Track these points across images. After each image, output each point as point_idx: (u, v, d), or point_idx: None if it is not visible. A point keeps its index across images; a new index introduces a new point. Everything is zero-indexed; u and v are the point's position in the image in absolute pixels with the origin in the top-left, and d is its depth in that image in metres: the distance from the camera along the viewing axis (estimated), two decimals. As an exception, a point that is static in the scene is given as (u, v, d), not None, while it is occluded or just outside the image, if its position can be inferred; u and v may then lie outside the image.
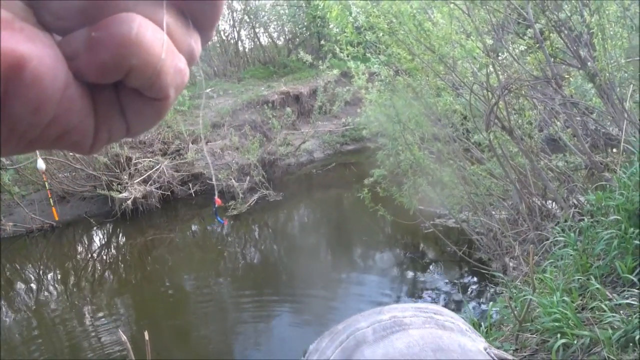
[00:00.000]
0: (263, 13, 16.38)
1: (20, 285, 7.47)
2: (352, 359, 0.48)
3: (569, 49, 4.59)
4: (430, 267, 6.52)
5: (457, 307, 5.33)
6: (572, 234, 3.68)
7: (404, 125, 5.66)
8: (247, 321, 5.77)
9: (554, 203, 4.93)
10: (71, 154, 8.64)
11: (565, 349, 2.71)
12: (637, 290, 2.81)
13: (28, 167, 9.08)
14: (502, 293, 4.27)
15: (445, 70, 5.05)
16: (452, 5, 4.77)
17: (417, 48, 5.04)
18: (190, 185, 10.04)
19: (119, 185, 9.07)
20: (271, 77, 14.87)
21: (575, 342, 2.67)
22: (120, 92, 0.26)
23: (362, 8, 5.11)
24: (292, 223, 9.65)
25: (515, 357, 2.97)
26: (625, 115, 4.33)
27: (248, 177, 9.62)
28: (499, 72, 4.87)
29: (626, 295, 2.82)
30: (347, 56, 5.66)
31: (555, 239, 3.99)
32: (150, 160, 9.71)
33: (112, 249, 8.81)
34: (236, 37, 16.15)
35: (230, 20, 15.57)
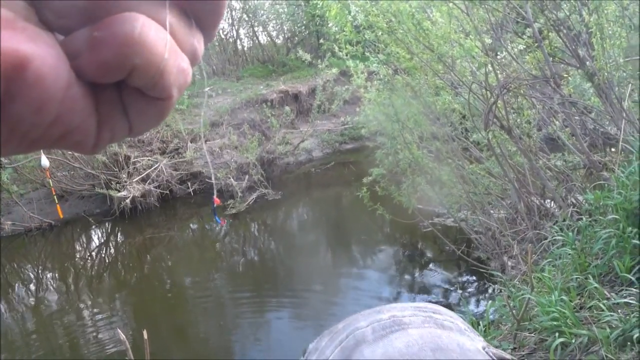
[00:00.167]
0: (262, 12, 16.37)
1: (19, 285, 7.46)
2: (352, 358, 0.48)
3: (568, 48, 4.59)
4: (429, 266, 6.52)
5: (456, 305, 5.34)
6: (570, 233, 3.68)
7: (403, 124, 5.66)
8: (245, 319, 5.77)
9: (552, 202, 4.94)
10: (70, 152, 8.63)
11: (563, 348, 2.72)
12: (635, 289, 2.81)
13: (27, 166, 9.07)
14: (500, 292, 4.28)
15: (444, 69, 5.05)
16: (451, 5, 4.77)
17: (416, 47, 5.04)
18: (189, 184, 10.04)
19: (118, 184, 9.07)
20: (270, 76, 14.86)
21: (573, 341, 2.68)
22: (123, 91, 0.25)
23: (361, 7, 5.10)
24: (290, 222, 9.65)
25: (514, 356, 2.98)
26: (624, 115, 4.34)
27: (247, 176, 9.62)
28: (498, 71, 4.87)
29: (624, 294, 2.83)
30: (346, 55, 5.66)
31: (554, 238, 4.00)
32: (149, 159, 9.70)
33: (111, 247, 8.80)
34: (235, 35, 16.14)
35: (229, 18, 15.55)
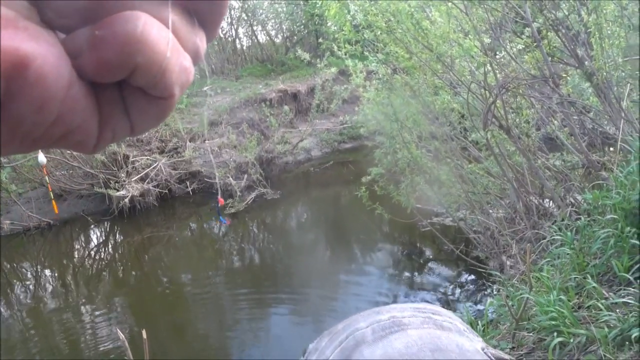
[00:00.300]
0: (261, 11, 16.35)
1: (17, 284, 7.45)
2: (351, 358, 0.48)
3: (567, 48, 4.60)
4: (428, 265, 6.53)
5: (454, 305, 5.34)
6: (569, 233, 3.69)
7: (402, 123, 5.67)
8: (245, 318, 5.77)
9: (551, 202, 4.95)
10: (68, 151, 8.63)
11: (561, 347, 2.73)
12: (633, 289, 2.82)
13: (25, 165, 9.06)
14: (499, 291, 4.29)
15: (443, 68, 5.05)
16: (450, 4, 4.77)
17: (414, 47, 5.04)
18: (188, 184, 10.04)
19: (117, 184, 9.06)
20: (269, 75, 14.85)
21: (571, 340, 2.69)
22: (124, 90, 0.25)
23: (360, 6, 5.10)
24: (289, 221, 9.65)
25: (512, 355, 2.98)
26: (622, 114, 4.34)
27: (246, 175, 9.62)
28: (497, 71, 4.87)
29: (622, 294, 2.84)
30: (345, 54, 5.66)
31: (552, 237, 4.01)
32: (147, 159, 9.70)
33: (110, 247, 8.80)
34: (234, 35, 16.13)
35: (227, 17, 15.53)
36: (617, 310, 2.72)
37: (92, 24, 0.23)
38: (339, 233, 8.29)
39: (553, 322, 2.85)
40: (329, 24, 8.65)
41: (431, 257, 6.78)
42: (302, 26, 16.64)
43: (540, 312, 3.00)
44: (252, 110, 12.21)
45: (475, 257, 5.54)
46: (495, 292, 4.81)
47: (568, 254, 3.58)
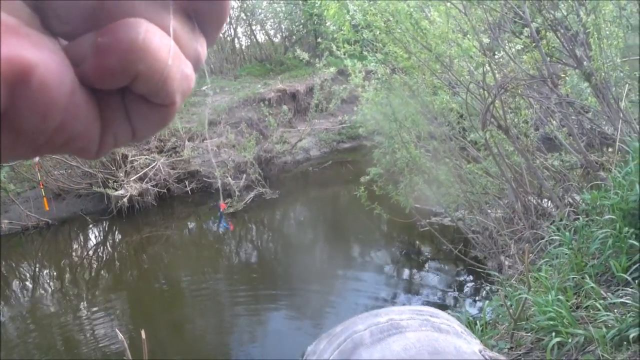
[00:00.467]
0: (260, 10, 16.35)
1: (15, 283, 7.45)
2: (350, 361, 0.49)
3: (565, 48, 4.60)
4: (426, 265, 6.53)
5: (453, 305, 5.35)
6: (567, 233, 3.69)
7: (400, 123, 5.67)
8: (243, 318, 5.77)
9: (549, 202, 4.95)
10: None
11: (559, 347, 2.73)
12: (631, 289, 2.83)
13: (24, 164, 9.05)
14: (497, 291, 4.30)
15: (442, 68, 5.06)
16: (448, 4, 4.77)
17: (413, 47, 5.04)
18: (187, 183, 10.03)
19: (115, 183, 9.05)
20: (268, 75, 14.85)
21: (569, 340, 2.69)
22: (126, 97, 0.25)
23: (359, 6, 5.11)
24: (288, 221, 9.66)
25: (510, 355, 2.99)
26: (621, 115, 4.35)
27: (244, 175, 9.62)
28: (495, 71, 4.88)
29: (620, 294, 2.84)
30: (344, 54, 5.66)
31: (551, 237, 4.01)
32: (146, 158, 9.69)
33: (108, 246, 8.79)
34: (233, 34, 16.12)
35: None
36: (615, 311, 2.73)
37: (94, 30, 0.23)
38: (337, 233, 8.30)
39: (551, 322, 2.85)
40: (327, 23, 8.66)
41: (430, 256, 6.78)
42: (300, 26, 16.64)
43: (539, 312, 3.00)
44: (251, 109, 12.20)
45: (474, 257, 5.54)
46: (493, 292, 4.81)
47: (566, 254, 3.59)
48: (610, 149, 4.82)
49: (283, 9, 16.45)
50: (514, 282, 4.02)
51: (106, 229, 9.17)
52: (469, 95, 4.75)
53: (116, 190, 8.90)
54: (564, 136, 4.99)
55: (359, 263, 7.03)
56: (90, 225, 9.15)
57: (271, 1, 16.34)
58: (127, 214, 9.02)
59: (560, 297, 2.99)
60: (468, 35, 4.79)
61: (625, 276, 2.92)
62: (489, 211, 5.45)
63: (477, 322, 3.63)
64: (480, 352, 0.51)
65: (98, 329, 5.70)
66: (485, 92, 4.63)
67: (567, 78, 5.28)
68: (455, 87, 5.15)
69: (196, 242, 8.63)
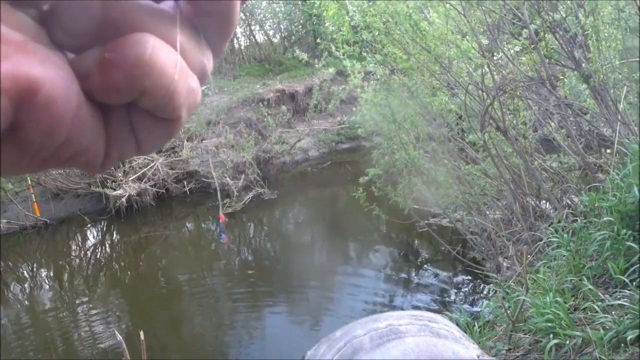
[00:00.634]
0: (259, 10, 16.35)
1: (14, 283, 7.43)
2: (349, 365, 0.49)
3: (564, 50, 4.61)
4: (425, 266, 6.54)
5: (451, 306, 5.35)
6: (565, 235, 3.70)
7: (399, 124, 5.67)
8: (241, 318, 5.77)
9: (547, 203, 4.96)
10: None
11: (557, 349, 2.74)
12: (628, 291, 2.83)
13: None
14: (495, 293, 4.30)
15: (441, 70, 5.06)
16: (448, 6, 4.78)
17: (412, 48, 5.05)
18: (185, 183, 10.03)
19: (114, 183, 9.05)
20: (267, 75, 14.85)
21: (567, 342, 2.70)
22: (131, 111, 0.25)
23: (358, 7, 5.11)
24: (286, 221, 9.66)
25: (508, 357, 2.99)
26: (619, 117, 4.36)
27: (243, 175, 9.62)
28: (494, 73, 4.88)
29: (618, 296, 2.85)
30: (343, 55, 5.67)
31: (549, 239, 4.02)
32: (145, 158, 9.68)
33: (106, 246, 8.79)
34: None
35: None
36: (613, 312, 2.74)
37: (101, 44, 0.23)
38: (336, 233, 8.30)
39: (549, 324, 2.86)
40: (327, 24, 8.66)
41: (428, 257, 6.79)
42: (300, 26, 16.64)
43: (537, 313, 3.01)
44: (250, 110, 12.20)
45: (472, 258, 5.55)
46: (491, 294, 4.82)
47: (564, 255, 3.60)
48: (608, 151, 4.83)
49: (282, 9, 16.45)
50: (512, 283, 4.03)
51: (104, 228, 9.16)
52: (467, 97, 4.76)
53: (114, 190, 8.89)
54: (563, 138, 5.00)
55: (357, 264, 7.03)
56: (89, 225, 9.14)
57: (270, 1, 16.34)
58: (125, 214, 9.02)
59: (558, 298, 2.99)
60: (467, 37, 4.79)
61: (623, 278, 2.93)
62: (488, 212, 5.46)
63: (475, 323, 3.64)
64: (478, 357, 0.51)
65: (96, 329, 5.69)
66: (484, 93, 4.64)
67: (565, 80, 5.29)
68: (454, 89, 5.16)
69: (194, 242, 8.63)
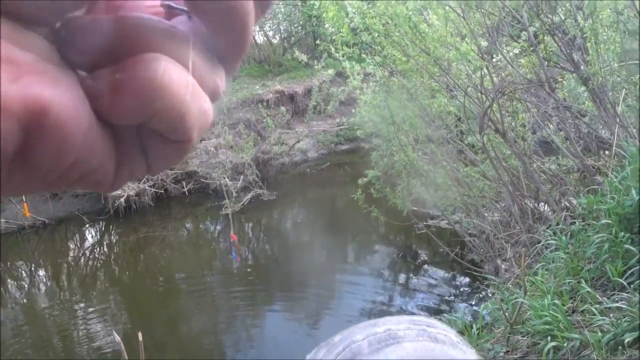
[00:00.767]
0: (258, 11, 16.30)
1: (12, 282, 7.43)
2: (348, 370, 0.49)
3: (563, 53, 4.62)
4: (423, 268, 6.54)
5: (449, 308, 5.36)
6: (563, 237, 3.71)
7: (398, 126, 5.68)
8: (240, 318, 5.77)
9: (546, 206, 4.97)
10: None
11: (555, 351, 2.74)
12: (626, 294, 2.84)
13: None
14: (493, 295, 4.31)
15: (440, 72, 5.07)
16: (447, 8, 4.79)
17: (412, 50, 5.06)
18: (184, 184, 10.02)
19: (112, 183, 9.02)
20: (266, 76, 14.84)
21: (565, 344, 2.70)
22: (142, 132, 0.25)
23: (358, 9, 5.12)
24: (285, 222, 9.66)
25: (506, 359, 3.00)
26: (617, 119, 4.37)
27: (242, 176, 9.62)
28: (493, 75, 4.89)
29: (616, 299, 2.86)
30: (343, 56, 5.67)
31: (547, 241, 4.03)
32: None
33: (105, 246, 8.78)
34: (231, 35, 16.09)
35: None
36: (611, 315, 2.74)
37: (113, 62, 0.23)
38: (334, 235, 8.30)
39: (547, 326, 2.86)
40: (326, 25, 8.66)
41: (426, 259, 6.79)
42: (299, 27, 16.64)
43: (535, 316, 3.02)
44: (249, 110, 12.19)
45: (471, 260, 5.56)
46: (490, 296, 4.82)
47: (562, 258, 3.60)
48: (606, 154, 4.84)
49: (282, 10, 16.43)
50: (510, 285, 4.03)
51: (103, 229, 9.16)
52: (466, 99, 4.77)
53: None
54: (561, 140, 5.01)
55: (355, 265, 7.04)
56: (87, 225, 9.13)
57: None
58: (124, 214, 9.01)
59: (556, 301, 3.00)
60: (466, 39, 4.80)
61: (621, 280, 2.93)
62: (486, 214, 5.47)
63: (473, 325, 3.64)
64: (476, 362, 0.51)
65: (94, 329, 5.69)
66: (483, 95, 4.65)
67: (564, 82, 5.30)
68: (453, 91, 5.17)
69: (193, 243, 8.63)
